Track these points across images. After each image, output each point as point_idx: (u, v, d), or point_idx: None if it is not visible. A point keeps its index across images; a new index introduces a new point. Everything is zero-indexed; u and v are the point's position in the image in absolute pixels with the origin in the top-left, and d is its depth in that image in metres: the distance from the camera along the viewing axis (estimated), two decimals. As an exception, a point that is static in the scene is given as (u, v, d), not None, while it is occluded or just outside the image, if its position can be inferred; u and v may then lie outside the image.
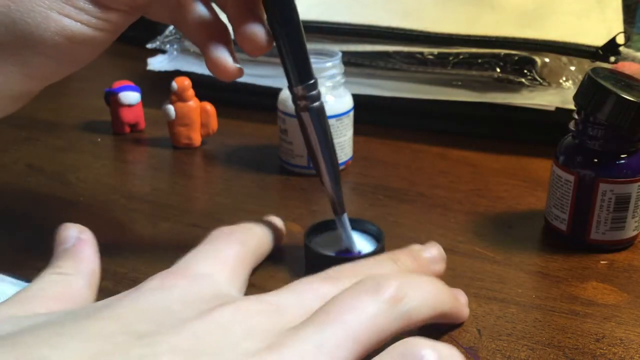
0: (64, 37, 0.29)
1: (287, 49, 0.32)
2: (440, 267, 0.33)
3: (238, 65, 0.33)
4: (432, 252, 0.33)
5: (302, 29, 0.32)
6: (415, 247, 0.33)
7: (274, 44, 0.32)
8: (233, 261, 0.30)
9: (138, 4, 0.30)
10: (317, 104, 0.34)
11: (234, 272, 0.30)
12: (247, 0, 0.32)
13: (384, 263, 0.30)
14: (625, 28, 0.55)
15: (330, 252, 0.36)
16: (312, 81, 0.33)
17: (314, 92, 0.33)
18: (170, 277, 0.26)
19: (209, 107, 0.52)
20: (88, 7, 0.29)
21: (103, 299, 0.26)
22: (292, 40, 0.32)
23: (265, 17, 0.32)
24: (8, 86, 0.30)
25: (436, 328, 0.29)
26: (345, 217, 0.36)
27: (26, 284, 0.32)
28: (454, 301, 0.30)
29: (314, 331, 0.23)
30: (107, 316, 0.23)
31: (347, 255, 0.36)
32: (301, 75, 0.33)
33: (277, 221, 0.37)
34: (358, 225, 0.38)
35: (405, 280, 0.26)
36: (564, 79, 0.53)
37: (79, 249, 0.30)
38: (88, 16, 0.29)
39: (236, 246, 0.31)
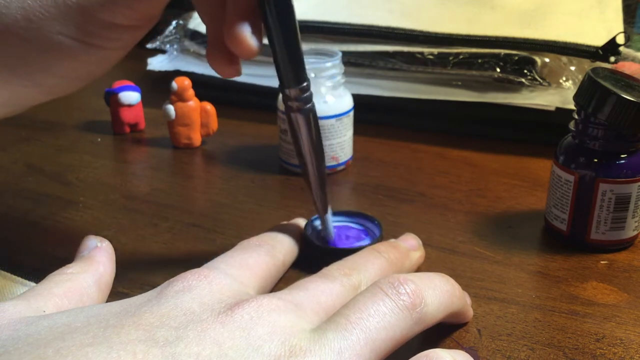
0: (77, 59, 0.29)
1: (283, 51, 0.32)
2: (420, 254, 0.36)
3: (255, 42, 0.31)
4: (410, 242, 0.35)
5: (299, 30, 0.32)
6: (393, 240, 0.35)
7: (269, 45, 0.32)
8: (259, 270, 0.30)
9: (150, 15, 0.30)
10: (309, 105, 0.33)
11: (259, 280, 0.30)
12: (241, 2, 0.31)
13: (370, 256, 0.32)
14: (625, 28, 0.55)
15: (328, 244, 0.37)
16: (305, 83, 0.33)
17: (307, 94, 0.33)
18: (192, 277, 0.26)
19: (209, 107, 0.52)
20: (99, 30, 0.29)
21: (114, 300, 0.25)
22: (289, 42, 0.31)
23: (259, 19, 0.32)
24: (20, 101, 0.31)
25: (437, 329, 0.29)
26: (328, 217, 0.36)
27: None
28: (464, 301, 0.30)
29: (335, 337, 0.23)
30: (130, 323, 0.22)
31: (346, 247, 0.37)
32: (296, 77, 0.32)
33: (302, 223, 0.38)
34: (357, 217, 0.39)
35: (421, 282, 0.27)
36: (564, 79, 0.53)
37: (93, 254, 0.30)
38: (100, 38, 0.29)
39: (265, 257, 0.32)
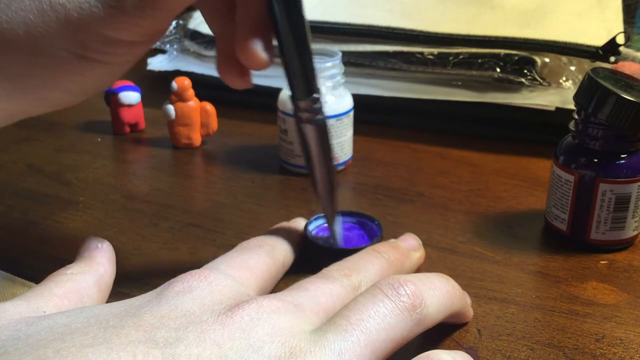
0: (81, 74, 0.29)
1: (295, 62, 0.31)
2: (420, 254, 0.36)
3: (267, 56, 0.31)
4: (410, 242, 0.35)
5: (310, 41, 0.31)
6: (393, 240, 0.35)
7: (280, 56, 0.32)
8: (260, 271, 0.30)
9: (155, 31, 0.29)
10: (320, 116, 0.33)
11: (259, 281, 0.30)
12: (254, 12, 0.30)
13: (371, 256, 0.32)
14: (625, 28, 0.55)
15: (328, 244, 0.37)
16: (316, 95, 0.32)
17: (318, 105, 0.33)
18: (192, 278, 0.26)
19: (209, 107, 0.52)
20: (103, 46, 0.28)
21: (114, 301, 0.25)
22: (301, 54, 0.31)
23: (271, 32, 0.31)
24: (24, 113, 0.31)
25: (437, 329, 0.29)
26: (337, 226, 0.36)
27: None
28: (464, 301, 0.31)
29: (335, 338, 0.23)
30: (130, 324, 0.22)
31: (346, 247, 0.37)
32: (308, 88, 0.32)
33: (302, 222, 0.38)
34: (357, 217, 0.39)
35: (420, 283, 0.27)
36: (564, 79, 0.53)
37: (93, 255, 0.30)
38: (104, 54, 0.29)
39: (265, 258, 0.31)
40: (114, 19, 0.27)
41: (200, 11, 0.33)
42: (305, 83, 0.32)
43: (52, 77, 0.29)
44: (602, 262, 0.37)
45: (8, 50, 0.27)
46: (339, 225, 0.36)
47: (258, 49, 0.30)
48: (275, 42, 0.31)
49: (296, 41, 0.31)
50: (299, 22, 0.30)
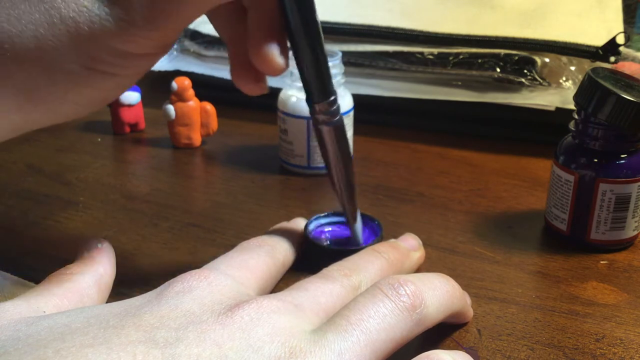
0: (91, 87, 0.29)
1: (310, 66, 0.31)
2: (420, 254, 0.36)
3: (283, 61, 0.31)
4: (410, 242, 0.35)
5: (324, 44, 0.31)
6: (393, 240, 0.35)
7: (295, 61, 0.32)
8: (260, 271, 0.30)
9: (165, 43, 0.29)
10: (337, 118, 0.33)
11: (259, 281, 0.30)
12: (267, 17, 0.30)
13: (371, 256, 0.32)
14: (625, 28, 0.55)
15: (328, 244, 0.37)
16: (333, 97, 0.33)
17: (334, 108, 0.33)
18: (192, 278, 0.26)
19: (209, 107, 0.52)
20: (113, 59, 0.28)
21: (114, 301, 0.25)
22: (316, 57, 0.31)
23: (284, 37, 0.31)
24: (32, 125, 0.30)
25: (437, 329, 0.29)
26: (358, 226, 0.36)
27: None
28: (464, 301, 0.31)
29: (335, 338, 0.23)
30: (130, 324, 0.22)
31: (346, 248, 0.37)
32: (324, 91, 0.32)
33: (302, 222, 0.38)
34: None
35: (420, 283, 0.27)
36: (564, 79, 0.53)
37: (93, 255, 0.30)
38: (114, 66, 0.28)
39: (265, 258, 0.31)
40: (125, 32, 0.27)
41: (210, 19, 0.33)
42: (321, 86, 0.32)
43: (61, 89, 0.29)
44: (602, 262, 0.37)
45: (19, 64, 0.27)
46: (360, 225, 0.36)
47: (275, 53, 0.30)
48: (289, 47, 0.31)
49: (310, 44, 0.31)
50: (313, 25, 0.31)
